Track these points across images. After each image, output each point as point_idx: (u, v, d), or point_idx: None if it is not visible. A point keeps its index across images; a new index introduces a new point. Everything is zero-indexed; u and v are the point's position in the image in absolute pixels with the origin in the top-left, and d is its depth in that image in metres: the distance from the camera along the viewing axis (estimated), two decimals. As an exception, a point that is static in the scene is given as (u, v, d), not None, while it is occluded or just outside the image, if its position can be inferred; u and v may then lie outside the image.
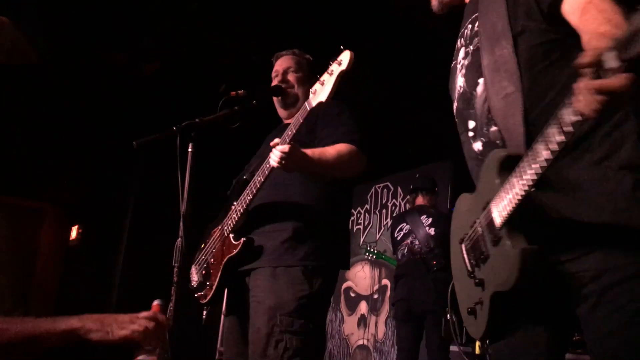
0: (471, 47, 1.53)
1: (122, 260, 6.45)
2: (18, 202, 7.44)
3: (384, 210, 6.82)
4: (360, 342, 6.55)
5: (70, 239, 7.57)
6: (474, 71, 1.49)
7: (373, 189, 7.03)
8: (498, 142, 1.41)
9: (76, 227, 7.42)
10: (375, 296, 6.52)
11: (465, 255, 1.44)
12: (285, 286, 2.08)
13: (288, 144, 1.96)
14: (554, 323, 1.38)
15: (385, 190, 6.89)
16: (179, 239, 2.00)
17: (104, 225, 7.01)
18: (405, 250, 4.53)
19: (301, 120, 1.99)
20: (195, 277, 2.42)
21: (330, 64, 1.96)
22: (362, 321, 6.61)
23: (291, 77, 2.45)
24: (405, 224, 4.64)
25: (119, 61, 5.72)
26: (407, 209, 5.22)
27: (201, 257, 2.45)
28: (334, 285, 2.25)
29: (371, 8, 4.81)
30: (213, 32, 5.24)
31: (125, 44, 5.51)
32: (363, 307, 6.66)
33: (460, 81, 1.56)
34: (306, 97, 2.45)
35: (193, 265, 2.47)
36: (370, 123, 5.63)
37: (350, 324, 6.77)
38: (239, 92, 2.27)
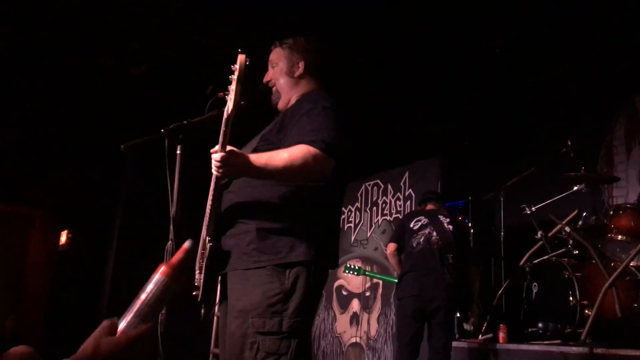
0: None
1: (113, 263, 6.42)
2: (7, 208, 7.39)
3: (374, 208, 6.83)
4: (353, 340, 6.57)
5: (60, 243, 7.54)
6: None
7: (363, 187, 7.03)
8: None
9: (66, 231, 7.40)
10: (367, 294, 6.54)
11: None
12: (255, 287, 2.03)
13: (222, 151, 1.91)
14: None
15: (375, 188, 6.90)
16: (169, 241, 2.00)
17: (93, 229, 6.98)
18: (422, 239, 4.41)
19: (224, 129, 1.93)
20: (197, 276, 2.42)
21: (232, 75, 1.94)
22: (355, 319, 6.62)
23: (272, 72, 2.42)
24: (423, 217, 4.56)
25: (106, 64, 5.69)
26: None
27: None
28: (318, 281, 2.16)
29: (359, 6, 4.81)
30: (200, 33, 5.23)
31: (112, 46, 5.48)
32: (355, 304, 6.67)
33: None
34: (289, 86, 2.40)
35: (197, 263, 2.46)
36: (359, 120, 5.66)
37: (342, 322, 6.78)
38: (227, 92, 2.25)
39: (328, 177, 2.05)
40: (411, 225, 4.56)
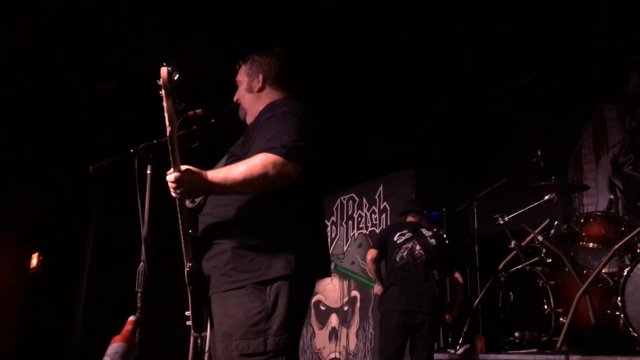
0: None
1: (85, 286, 6.30)
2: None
3: (350, 222, 6.84)
4: (333, 356, 6.53)
5: (31, 266, 7.39)
6: None
7: (338, 201, 7.04)
8: None
9: (36, 254, 7.25)
10: (346, 308, 6.52)
11: None
12: (236, 308, 1.96)
13: (175, 171, 1.86)
14: None
15: (350, 201, 6.91)
16: (141, 263, 1.96)
17: (64, 251, 6.84)
18: (405, 253, 4.38)
19: (170, 148, 1.87)
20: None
21: None
22: (334, 334, 6.58)
23: (238, 90, 2.40)
24: (407, 231, 4.52)
25: (75, 82, 5.62)
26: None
27: None
28: (303, 293, 2.08)
29: (331, 18, 4.83)
30: (169, 50, 5.20)
31: (81, 64, 5.41)
32: (334, 319, 6.64)
33: None
34: (252, 100, 2.36)
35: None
36: (332, 135, 5.67)
37: (321, 338, 6.74)
38: (197, 111, 2.21)
39: (299, 184, 1.98)
40: (395, 239, 4.51)
